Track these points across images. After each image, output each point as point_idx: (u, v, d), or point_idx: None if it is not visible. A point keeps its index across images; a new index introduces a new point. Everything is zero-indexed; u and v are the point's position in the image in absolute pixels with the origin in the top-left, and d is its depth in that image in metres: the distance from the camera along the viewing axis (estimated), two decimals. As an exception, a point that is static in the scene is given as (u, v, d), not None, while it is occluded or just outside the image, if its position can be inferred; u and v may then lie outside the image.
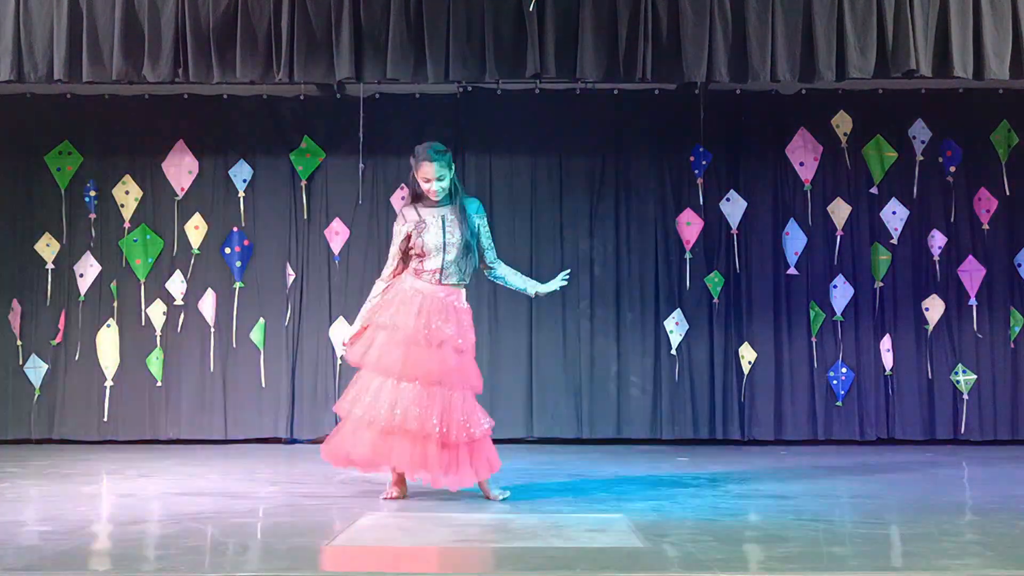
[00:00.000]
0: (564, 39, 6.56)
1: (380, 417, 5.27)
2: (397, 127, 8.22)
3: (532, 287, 5.66)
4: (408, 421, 5.25)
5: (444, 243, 5.42)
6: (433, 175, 5.43)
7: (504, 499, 5.41)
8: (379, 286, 5.54)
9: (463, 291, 5.52)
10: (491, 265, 5.62)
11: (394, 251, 5.52)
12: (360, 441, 5.31)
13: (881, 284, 8.26)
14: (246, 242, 8.26)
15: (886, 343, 8.20)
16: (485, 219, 5.60)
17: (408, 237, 5.45)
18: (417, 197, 5.52)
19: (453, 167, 5.52)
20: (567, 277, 5.74)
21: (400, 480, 5.50)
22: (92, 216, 8.24)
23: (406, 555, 4.26)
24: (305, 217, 8.28)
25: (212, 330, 8.20)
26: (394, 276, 5.53)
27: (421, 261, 5.44)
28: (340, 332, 8.18)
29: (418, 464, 5.29)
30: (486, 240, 5.57)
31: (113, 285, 8.21)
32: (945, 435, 8.15)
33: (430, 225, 5.43)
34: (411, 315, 5.36)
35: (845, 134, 8.31)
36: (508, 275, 5.66)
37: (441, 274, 5.44)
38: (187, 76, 6.63)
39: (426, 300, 5.40)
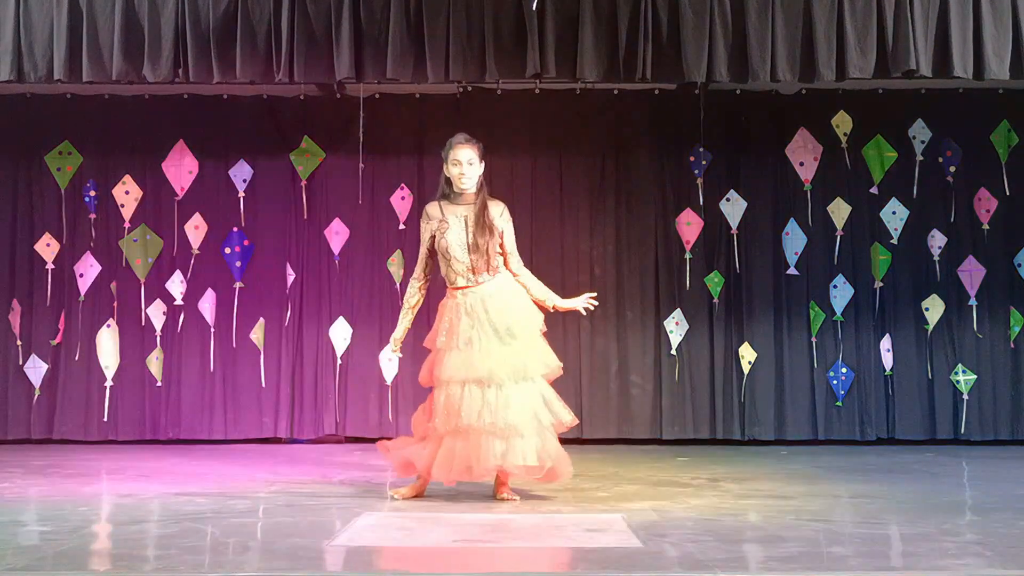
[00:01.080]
0: (564, 39, 6.56)
1: (495, 423, 5.28)
2: (397, 127, 8.22)
3: (551, 300, 5.66)
4: (516, 420, 5.28)
5: (467, 243, 5.44)
6: (465, 159, 5.48)
7: (509, 500, 5.40)
8: (413, 286, 5.62)
9: (502, 273, 5.54)
10: (515, 271, 5.62)
11: (423, 251, 5.59)
12: (479, 450, 5.30)
13: (881, 284, 8.25)
14: (246, 242, 8.26)
15: (886, 343, 8.20)
16: (510, 224, 5.61)
17: (433, 238, 5.51)
18: (444, 195, 5.54)
19: (483, 163, 5.55)
20: (593, 303, 5.74)
21: (423, 485, 5.52)
22: (92, 216, 8.24)
23: (406, 555, 4.26)
24: (305, 217, 8.28)
25: (212, 330, 8.20)
26: (426, 275, 5.60)
27: (449, 264, 5.48)
28: (340, 332, 8.20)
29: (528, 463, 5.32)
30: (510, 245, 5.58)
31: (113, 285, 8.21)
32: (945, 435, 8.15)
33: (452, 225, 5.47)
34: (481, 324, 5.39)
35: (845, 134, 8.31)
36: (529, 285, 5.64)
37: (474, 273, 5.46)
38: (187, 76, 6.62)
39: (479, 301, 5.43)
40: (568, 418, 5.48)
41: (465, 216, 5.50)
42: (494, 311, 5.42)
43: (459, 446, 5.32)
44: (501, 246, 5.54)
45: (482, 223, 5.46)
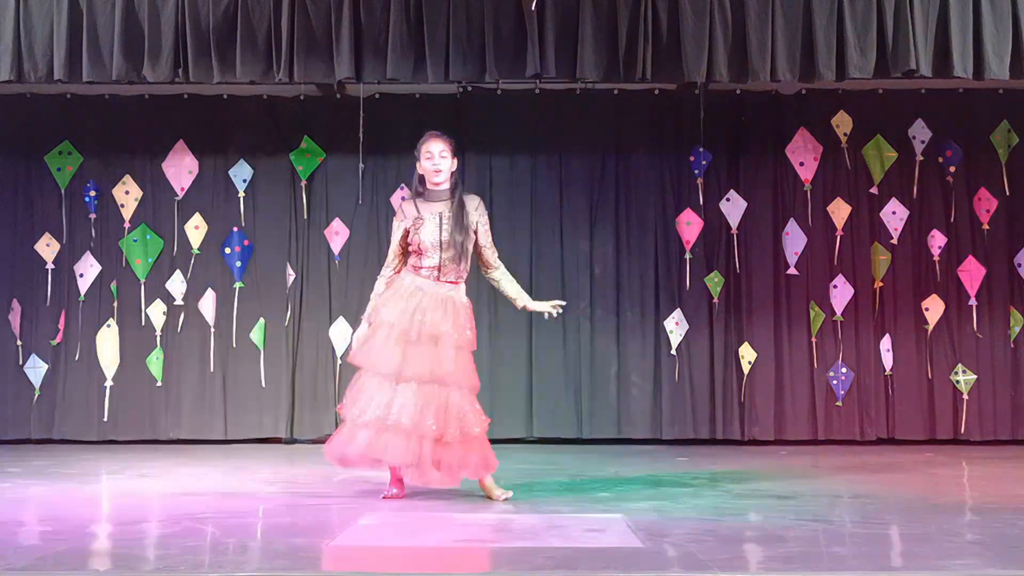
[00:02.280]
0: (564, 39, 6.56)
1: (377, 416, 5.27)
2: (397, 127, 8.21)
3: (522, 300, 5.61)
4: (403, 418, 5.24)
5: (440, 241, 5.41)
6: (437, 151, 5.44)
7: (507, 499, 5.41)
8: (380, 283, 5.55)
9: (463, 286, 5.51)
10: (490, 265, 5.59)
11: (393, 247, 5.53)
12: (356, 439, 5.32)
13: (881, 284, 8.26)
14: (246, 242, 8.26)
15: (886, 343, 8.20)
16: (486, 217, 5.56)
17: (406, 233, 5.47)
18: (419, 194, 5.53)
19: (456, 160, 5.52)
20: (560, 309, 5.64)
21: (400, 479, 5.51)
22: (92, 216, 8.24)
23: (406, 555, 4.26)
24: (305, 217, 8.28)
25: (212, 330, 8.20)
26: (396, 272, 5.53)
27: (419, 258, 5.45)
28: (340, 332, 8.20)
29: (411, 460, 5.29)
30: (484, 239, 5.52)
31: (113, 285, 8.21)
32: (945, 435, 8.15)
33: (427, 222, 5.43)
34: (408, 312, 5.36)
35: (845, 134, 8.31)
36: (503, 281, 5.61)
37: (439, 271, 5.43)
38: (187, 76, 6.63)
39: (425, 297, 5.39)
40: (481, 423, 5.37)
41: (440, 213, 5.45)
42: (428, 311, 5.35)
43: (360, 436, 5.30)
44: (476, 243, 5.51)
45: (460, 221, 5.43)
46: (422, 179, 5.52)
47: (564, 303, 5.75)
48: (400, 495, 5.46)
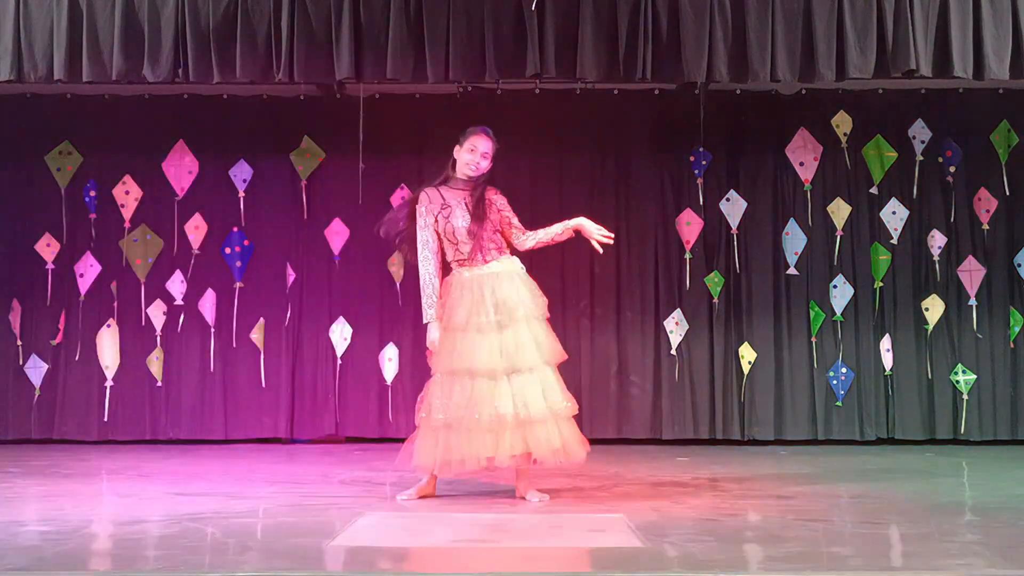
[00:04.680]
0: (564, 39, 6.56)
1: (507, 414, 5.25)
2: (397, 127, 8.22)
3: (560, 226, 5.55)
4: (532, 410, 5.26)
5: (468, 228, 5.42)
6: (483, 148, 5.48)
7: (539, 501, 5.38)
8: (426, 269, 5.45)
9: (514, 258, 5.55)
10: (523, 238, 5.55)
11: (426, 235, 5.46)
12: (488, 443, 5.26)
13: (881, 284, 8.25)
14: (246, 242, 8.26)
15: (886, 343, 8.20)
16: (500, 195, 5.56)
17: (436, 220, 5.46)
18: (444, 181, 5.52)
19: (492, 164, 5.55)
20: (610, 240, 5.59)
21: (434, 480, 5.50)
22: (92, 216, 8.24)
23: (406, 555, 4.26)
24: (305, 217, 8.28)
25: (212, 330, 8.20)
26: (435, 255, 5.47)
27: (457, 247, 5.46)
28: (340, 332, 8.20)
29: (553, 448, 5.32)
30: (509, 214, 5.54)
31: (113, 285, 8.21)
32: (945, 435, 8.15)
33: (454, 208, 5.46)
34: (481, 304, 5.36)
35: (845, 134, 8.31)
36: (539, 234, 5.56)
37: (483, 252, 5.45)
38: (187, 76, 6.62)
39: (488, 280, 5.41)
40: (562, 407, 5.37)
41: (463, 199, 5.48)
42: (498, 290, 5.39)
43: (452, 439, 5.29)
44: (507, 224, 5.51)
45: (480, 210, 5.45)
46: (454, 164, 5.53)
47: (612, 236, 5.66)
48: (426, 495, 5.45)
